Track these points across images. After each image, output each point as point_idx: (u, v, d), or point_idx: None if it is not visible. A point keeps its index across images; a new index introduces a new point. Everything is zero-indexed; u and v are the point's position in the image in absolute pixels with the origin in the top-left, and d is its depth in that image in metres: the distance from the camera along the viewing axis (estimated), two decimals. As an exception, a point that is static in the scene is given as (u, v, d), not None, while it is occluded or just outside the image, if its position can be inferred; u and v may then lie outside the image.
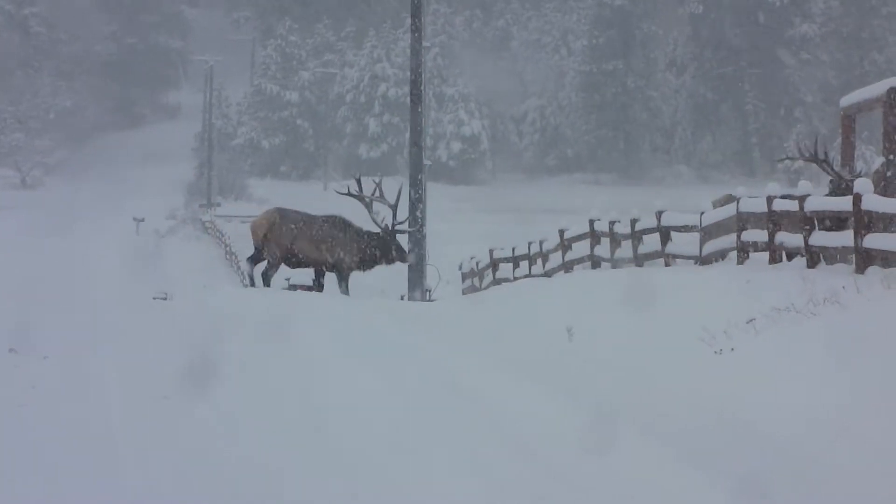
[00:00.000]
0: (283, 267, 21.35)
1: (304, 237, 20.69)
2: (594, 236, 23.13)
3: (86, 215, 60.35)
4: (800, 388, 9.73)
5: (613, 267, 21.84)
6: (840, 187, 15.23)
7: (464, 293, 30.12)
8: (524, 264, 27.51)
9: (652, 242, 20.48)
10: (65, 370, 11.50)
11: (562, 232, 24.63)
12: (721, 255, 18.14)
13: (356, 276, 21.62)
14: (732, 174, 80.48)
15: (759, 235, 16.71)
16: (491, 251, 30.05)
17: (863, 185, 13.96)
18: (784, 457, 8.56)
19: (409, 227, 24.40)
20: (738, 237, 17.26)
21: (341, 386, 10.79)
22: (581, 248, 24.05)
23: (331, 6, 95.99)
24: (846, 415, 9.00)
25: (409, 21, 27.66)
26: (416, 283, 26.43)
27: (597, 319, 14.31)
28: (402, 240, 22.64)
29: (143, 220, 58.99)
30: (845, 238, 14.15)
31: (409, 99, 27.31)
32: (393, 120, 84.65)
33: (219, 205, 71.56)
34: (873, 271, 13.37)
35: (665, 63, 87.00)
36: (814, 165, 16.08)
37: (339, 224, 21.14)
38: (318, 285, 21.36)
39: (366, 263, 21.26)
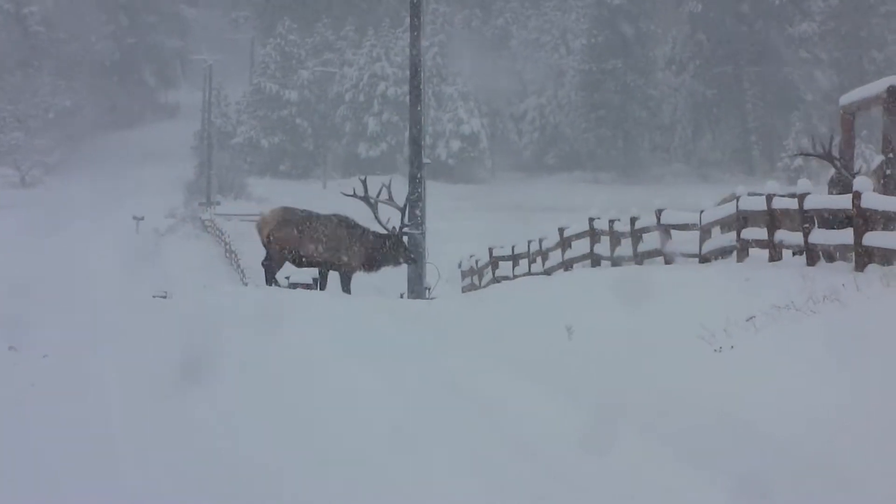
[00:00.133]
0: (285, 266, 21.29)
1: (309, 236, 20.58)
2: (594, 234, 23.13)
3: (85, 214, 60.35)
4: (800, 387, 9.72)
5: (613, 265, 21.84)
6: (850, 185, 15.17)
7: (463, 291, 30.11)
8: (524, 262, 27.51)
9: (651, 240, 20.48)
10: (64, 369, 11.49)
11: (561, 230, 24.63)
12: (721, 252, 18.14)
13: (357, 275, 21.56)
14: (732, 172, 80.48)
15: (760, 233, 16.72)
16: (490, 249, 30.05)
17: (862, 183, 13.96)
18: (784, 455, 8.56)
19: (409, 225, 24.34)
20: (738, 235, 17.27)
21: (340, 385, 10.79)
22: (581, 247, 24.05)
23: (330, 5, 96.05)
24: (846, 413, 8.99)
25: (408, 20, 27.66)
26: (416, 282, 26.44)
27: (596, 318, 14.30)
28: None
29: (142, 218, 59.00)
30: (845, 236, 14.15)
31: (408, 98, 27.33)
32: (392, 119, 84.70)
33: (218, 203, 71.58)
34: (873, 269, 13.37)
35: (664, 62, 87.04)
36: (813, 163, 16.10)
37: (345, 224, 21.00)
38: (321, 284, 21.26)
39: (372, 264, 21.13)
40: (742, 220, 17.20)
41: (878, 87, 16.23)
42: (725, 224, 18.12)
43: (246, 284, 35.08)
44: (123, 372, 11.41)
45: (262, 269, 21.46)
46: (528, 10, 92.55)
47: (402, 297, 26.66)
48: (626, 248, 21.65)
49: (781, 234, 16.12)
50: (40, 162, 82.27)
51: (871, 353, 9.68)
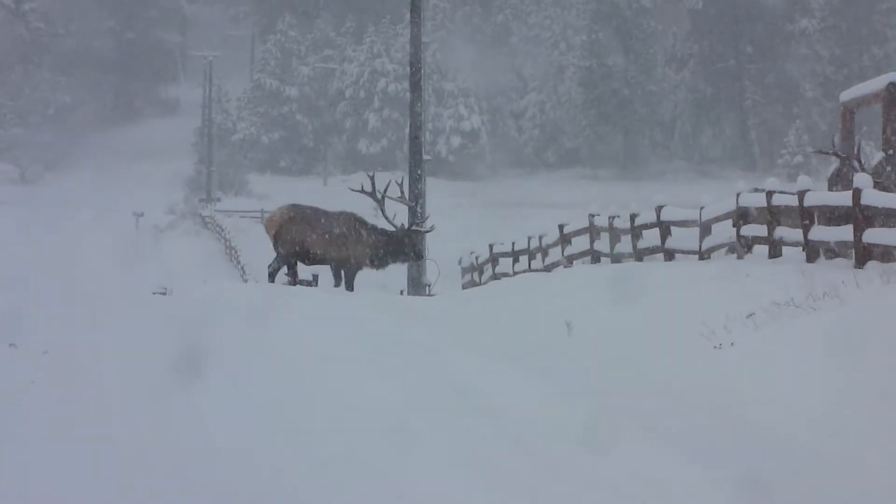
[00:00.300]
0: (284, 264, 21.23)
1: (316, 234, 20.47)
2: (594, 231, 23.15)
3: (85, 210, 60.38)
4: (800, 383, 9.73)
5: (613, 261, 21.86)
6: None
7: (463, 288, 30.13)
8: (524, 259, 27.55)
9: (651, 237, 20.49)
10: (64, 365, 11.49)
11: (561, 227, 24.66)
12: (727, 249, 18.15)
13: (362, 272, 21.42)
14: (732, 169, 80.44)
15: (760, 230, 16.74)
16: (490, 246, 30.07)
17: (862, 180, 13.97)
18: (784, 452, 8.57)
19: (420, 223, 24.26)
20: (738, 232, 17.28)
21: (340, 381, 10.79)
22: (581, 243, 24.08)
23: (330, 2, 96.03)
24: (847, 410, 9.00)
25: (408, 16, 27.66)
26: (416, 279, 26.45)
27: (596, 314, 14.31)
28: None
29: (142, 214, 59.02)
30: (844, 233, 14.16)
31: (408, 94, 27.33)
32: (392, 115, 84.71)
33: (219, 200, 71.62)
34: (872, 266, 13.39)
35: (664, 58, 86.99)
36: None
37: (353, 221, 20.86)
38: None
39: (380, 261, 21.01)
40: (742, 216, 17.21)
41: (878, 83, 16.24)
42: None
43: (246, 281, 35.08)
44: (123, 369, 11.42)
45: (266, 269, 21.40)
46: (528, 6, 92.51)
47: (402, 293, 26.66)
48: (625, 244, 21.67)
49: (781, 231, 16.13)
50: (40, 158, 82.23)
51: (872, 350, 9.69)
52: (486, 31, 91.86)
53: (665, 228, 19.89)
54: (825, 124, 77.17)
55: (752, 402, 9.72)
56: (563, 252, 24.47)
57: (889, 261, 13.41)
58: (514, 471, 8.02)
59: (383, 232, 20.89)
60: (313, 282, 21.86)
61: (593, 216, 23.06)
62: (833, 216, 14.94)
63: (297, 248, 20.47)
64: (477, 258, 31.57)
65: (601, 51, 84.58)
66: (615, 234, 22.07)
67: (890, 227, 13.64)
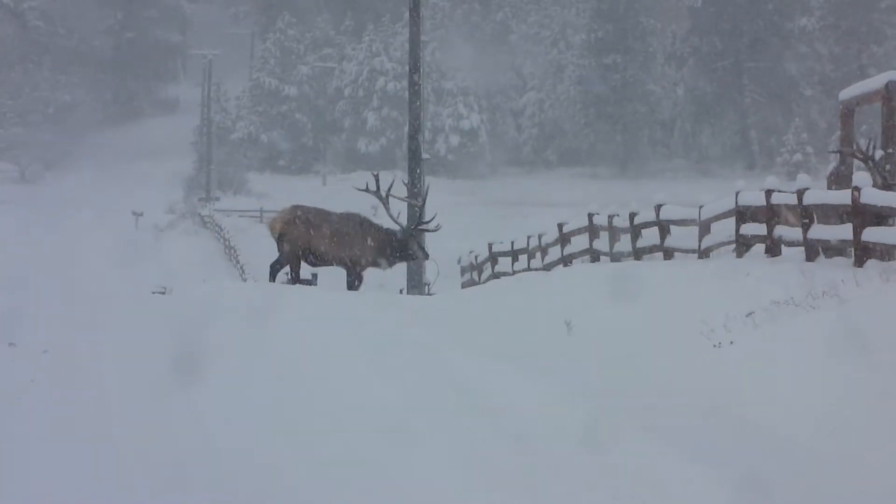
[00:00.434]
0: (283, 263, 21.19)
1: (322, 234, 20.42)
2: (593, 230, 23.14)
3: (85, 210, 60.35)
4: (799, 383, 9.73)
5: (613, 260, 21.84)
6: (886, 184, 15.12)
7: (463, 287, 30.11)
8: (523, 258, 27.52)
9: (651, 236, 20.48)
10: (64, 365, 11.49)
11: (561, 226, 24.64)
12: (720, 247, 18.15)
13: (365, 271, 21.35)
14: (731, 167, 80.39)
15: (759, 229, 16.73)
16: (490, 245, 30.05)
17: (862, 178, 13.96)
18: (784, 452, 8.56)
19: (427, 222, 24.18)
20: (738, 230, 17.28)
21: (340, 380, 10.79)
22: (580, 242, 24.06)
23: (329, 1, 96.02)
24: (846, 409, 9.00)
25: (407, 15, 27.66)
26: (415, 278, 26.44)
27: (596, 313, 14.30)
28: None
29: (142, 214, 59.01)
30: (844, 231, 14.15)
31: (407, 93, 27.31)
32: (391, 114, 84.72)
33: (218, 199, 71.61)
34: (872, 265, 13.38)
35: (664, 56, 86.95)
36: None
37: (359, 222, 20.81)
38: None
39: (386, 261, 20.95)
40: (741, 215, 17.21)
41: (877, 81, 16.25)
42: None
43: (245, 280, 35.07)
44: (123, 368, 11.41)
45: (266, 267, 21.35)
46: (527, 4, 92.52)
47: (401, 292, 26.65)
48: (625, 243, 21.66)
49: (780, 230, 16.13)
50: (40, 157, 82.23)
51: (871, 349, 9.69)
52: (485, 29, 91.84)
53: (664, 227, 19.88)
54: (824, 123, 77.19)
55: (752, 401, 9.72)
56: (562, 251, 24.46)
57: (889, 259, 13.41)
58: (515, 470, 8.02)
59: (389, 231, 20.85)
60: (313, 281, 21.83)
61: (592, 215, 23.05)
62: (833, 215, 14.94)
63: (303, 249, 20.43)
64: (476, 257, 31.56)
65: (601, 49, 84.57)
66: (614, 233, 22.06)
67: (889, 225, 13.64)
